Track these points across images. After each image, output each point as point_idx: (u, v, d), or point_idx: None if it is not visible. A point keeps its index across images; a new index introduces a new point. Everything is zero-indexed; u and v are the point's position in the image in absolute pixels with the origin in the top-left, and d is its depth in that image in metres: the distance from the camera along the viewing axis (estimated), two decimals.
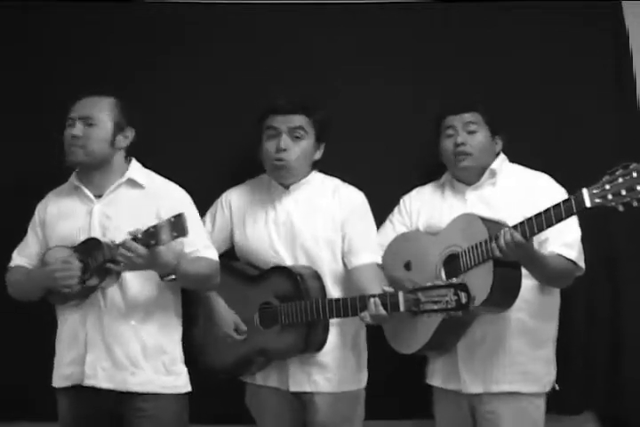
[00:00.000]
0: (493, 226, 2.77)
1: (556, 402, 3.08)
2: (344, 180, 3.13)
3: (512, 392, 2.90)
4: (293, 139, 3.00)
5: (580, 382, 3.31)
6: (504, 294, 2.73)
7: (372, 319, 2.74)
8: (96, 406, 2.80)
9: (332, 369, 2.99)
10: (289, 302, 2.91)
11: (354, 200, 3.06)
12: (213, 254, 2.86)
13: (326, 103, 3.29)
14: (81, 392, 2.80)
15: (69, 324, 2.84)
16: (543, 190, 2.89)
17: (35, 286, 2.83)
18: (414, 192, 3.18)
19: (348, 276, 3.00)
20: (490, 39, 3.43)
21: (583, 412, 3.39)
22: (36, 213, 2.95)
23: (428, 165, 3.29)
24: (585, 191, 2.52)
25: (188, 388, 2.87)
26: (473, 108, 3.04)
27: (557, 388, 2.98)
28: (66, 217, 2.86)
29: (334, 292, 2.98)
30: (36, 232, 2.93)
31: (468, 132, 3.00)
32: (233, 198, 3.13)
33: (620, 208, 2.47)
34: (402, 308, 2.66)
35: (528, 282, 2.86)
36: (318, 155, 3.09)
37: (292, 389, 3.00)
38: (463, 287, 2.53)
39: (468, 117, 3.02)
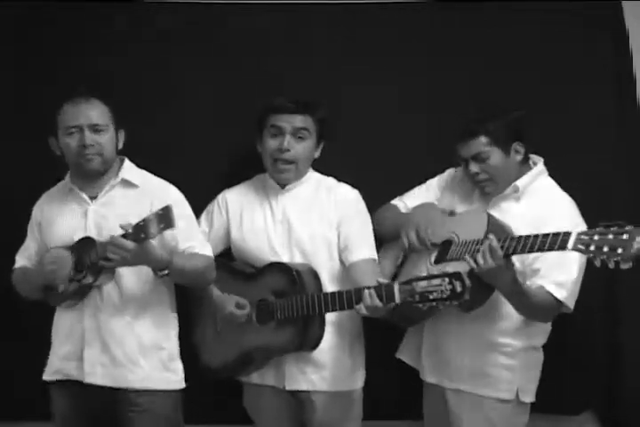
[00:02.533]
0: (496, 228, 2.76)
1: (556, 402, 3.09)
2: (341, 179, 3.14)
3: (468, 392, 2.90)
4: (297, 139, 3.01)
5: (580, 383, 3.31)
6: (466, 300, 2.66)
7: (367, 311, 2.73)
8: (90, 401, 2.83)
9: (328, 368, 2.99)
10: (285, 298, 2.91)
11: (348, 198, 3.07)
12: (208, 251, 2.89)
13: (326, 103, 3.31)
14: (75, 387, 2.83)
15: (65, 320, 2.87)
16: (553, 222, 2.79)
17: (32, 284, 2.87)
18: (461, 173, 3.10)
19: (346, 272, 3.00)
20: (490, 39, 3.43)
21: (583, 412, 3.39)
22: (33, 214, 2.98)
23: (430, 165, 3.30)
24: (574, 234, 2.49)
25: (183, 384, 2.90)
26: (478, 133, 2.88)
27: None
28: (61, 218, 2.88)
29: (331, 289, 2.98)
30: (34, 233, 2.97)
31: (480, 161, 2.88)
32: (229, 198, 3.13)
33: (597, 263, 2.44)
34: (397, 299, 2.64)
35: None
36: (317, 154, 3.10)
37: (288, 387, 3.00)
38: (458, 277, 2.51)
39: (473, 147, 2.88)
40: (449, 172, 3.12)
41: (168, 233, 2.72)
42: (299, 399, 3.03)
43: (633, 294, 3.34)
